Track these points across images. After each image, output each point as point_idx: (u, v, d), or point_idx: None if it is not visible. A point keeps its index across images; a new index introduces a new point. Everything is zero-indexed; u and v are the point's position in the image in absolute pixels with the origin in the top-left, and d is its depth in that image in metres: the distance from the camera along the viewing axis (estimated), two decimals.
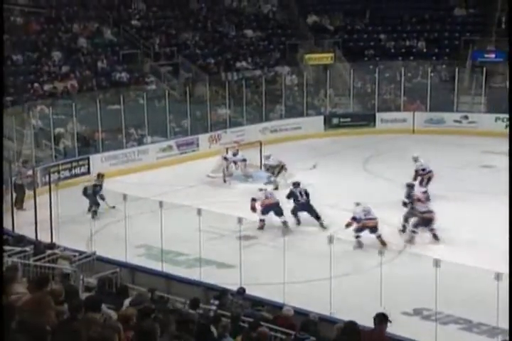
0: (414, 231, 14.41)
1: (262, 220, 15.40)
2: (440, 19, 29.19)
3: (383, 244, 13.91)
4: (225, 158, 19.98)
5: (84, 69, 24.18)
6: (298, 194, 15.76)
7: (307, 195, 15.85)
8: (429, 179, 17.78)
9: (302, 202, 15.69)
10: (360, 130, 25.34)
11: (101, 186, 16.73)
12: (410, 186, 16.01)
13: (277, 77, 27.00)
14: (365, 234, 14.17)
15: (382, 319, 7.24)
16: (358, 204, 14.76)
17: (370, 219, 14.33)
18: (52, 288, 6.14)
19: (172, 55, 26.68)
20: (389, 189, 18.50)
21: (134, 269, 12.39)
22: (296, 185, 16.02)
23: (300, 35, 29.33)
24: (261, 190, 16.10)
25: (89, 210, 16.36)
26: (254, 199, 15.61)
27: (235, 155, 20.05)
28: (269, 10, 30.38)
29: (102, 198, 16.49)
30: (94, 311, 5.68)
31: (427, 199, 15.64)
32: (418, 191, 15.84)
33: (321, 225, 15.37)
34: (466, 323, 10.92)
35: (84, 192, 16.59)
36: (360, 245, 14.06)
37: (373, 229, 14.25)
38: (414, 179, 17.62)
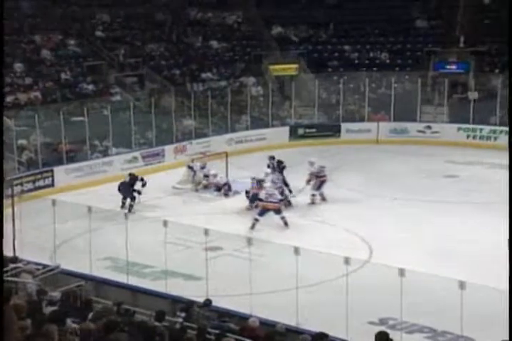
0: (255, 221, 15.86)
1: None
2: (403, 31, 29.61)
3: (286, 224, 15.75)
4: (190, 167, 20.01)
5: (48, 81, 23.98)
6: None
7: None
8: (321, 183, 18.47)
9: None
10: (325, 140, 25.51)
11: (135, 181, 18.13)
12: (260, 181, 17.44)
13: (242, 87, 27.08)
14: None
15: (383, 338, 7.14)
16: (260, 181, 17.02)
17: (272, 202, 15.67)
18: (15, 303, 6.06)
19: (137, 66, 26.60)
20: (353, 199, 18.67)
21: (99, 282, 12.27)
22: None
23: (265, 46, 29.48)
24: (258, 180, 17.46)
25: (122, 206, 17.64)
26: (260, 200, 16.31)
27: (202, 168, 20.08)
28: (233, 21, 30.50)
29: (139, 193, 17.80)
30: (59, 325, 5.61)
31: (323, 199, 18.02)
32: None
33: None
34: (431, 332, 11.03)
35: (122, 186, 17.87)
36: (253, 227, 15.62)
37: (277, 211, 15.66)
38: (308, 182, 18.42)
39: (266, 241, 15.34)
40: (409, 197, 18.50)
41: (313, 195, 18.30)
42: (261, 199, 16.18)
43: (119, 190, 18.01)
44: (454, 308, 9.67)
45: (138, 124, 22.76)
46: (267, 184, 16.93)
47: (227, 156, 20.76)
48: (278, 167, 18.91)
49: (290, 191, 18.33)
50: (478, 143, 24.67)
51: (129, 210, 17.37)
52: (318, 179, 18.41)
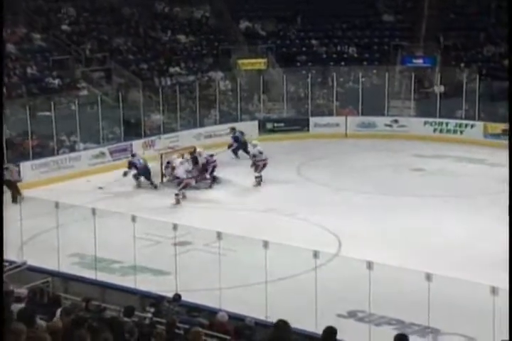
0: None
1: (258, 177, 19.23)
2: (370, 25, 29.75)
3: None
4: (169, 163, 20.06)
5: (13, 76, 23.67)
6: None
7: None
8: (264, 166, 19.68)
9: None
10: (294, 135, 25.57)
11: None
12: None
13: (211, 82, 27.00)
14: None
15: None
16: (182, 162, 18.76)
17: (190, 178, 18.34)
18: None
19: (104, 61, 26.36)
20: (322, 193, 18.77)
21: (66, 278, 12.18)
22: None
23: (233, 40, 29.42)
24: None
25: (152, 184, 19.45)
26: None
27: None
28: (201, 15, 30.37)
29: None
30: (28, 324, 5.56)
31: (259, 184, 19.40)
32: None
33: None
34: (399, 324, 11.15)
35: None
36: (178, 202, 17.78)
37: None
38: (253, 165, 19.70)
39: (235, 235, 15.37)
40: (377, 190, 18.65)
41: (256, 178, 19.41)
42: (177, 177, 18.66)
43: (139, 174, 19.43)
44: (421, 300, 9.80)
45: (105, 119, 22.57)
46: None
47: (195, 151, 20.70)
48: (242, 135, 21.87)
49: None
50: (445, 136, 24.91)
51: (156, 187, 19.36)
52: (261, 162, 19.53)
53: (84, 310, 8.68)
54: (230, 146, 22.30)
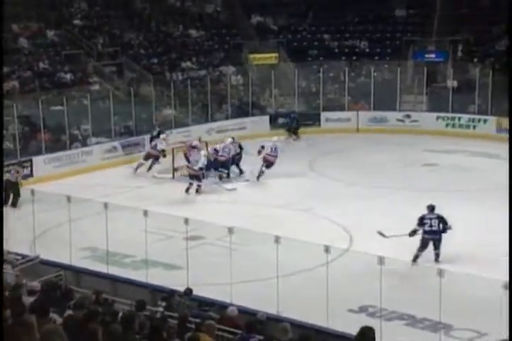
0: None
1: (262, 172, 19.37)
2: (382, 19, 29.64)
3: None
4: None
5: (26, 70, 23.75)
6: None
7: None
8: (271, 163, 19.69)
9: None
10: (305, 129, 25.53)
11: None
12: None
13: (222, 76, 27.00)
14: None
15: None
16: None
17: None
18: None
19: (116, 55, 26.42)
20: (334, 188, 18.75)
21: (78, 272, 12.24)
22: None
23: (244, 35, 29.39)
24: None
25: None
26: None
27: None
28: (213, 10, 30.36)
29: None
30: (41, 316, 5.59)
31: (257, 178, 19.58)
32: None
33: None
34: (410, 319, 11.12)
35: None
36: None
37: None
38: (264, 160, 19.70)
39: (247, 230, 15.39)
40: (388, 185, 18.60)
41: (261, 172, 19.49)
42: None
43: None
44: (433, 295, 9.77)
45: (117, 114, 22.63)
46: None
47: (207, 146, 20.71)
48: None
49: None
50: (457, 131, 24.82)
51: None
52: (270, 157, 19.45)
53: (94, 303, 8.71)
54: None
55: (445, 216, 13.32)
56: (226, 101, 25.76)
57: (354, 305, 11.49)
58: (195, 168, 18.51)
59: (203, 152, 19.19)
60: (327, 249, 10.52)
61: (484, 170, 20.10)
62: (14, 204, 16.86)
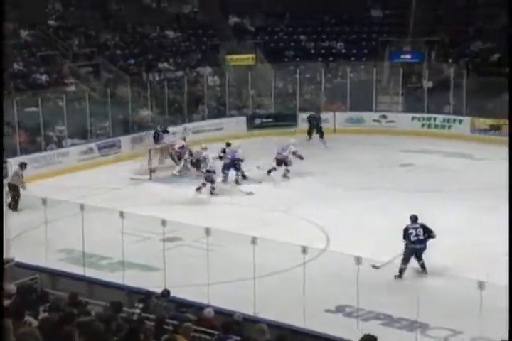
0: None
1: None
2: (358, 20, 29.78)
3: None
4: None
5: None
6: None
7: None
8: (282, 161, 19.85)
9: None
10: (282, 130, 25.57)
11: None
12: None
13: (199, 77, 26.97)
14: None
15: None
16: None
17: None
18: None
19: (92, 56, 26.27)
20: (311, 188, 18.81)
21: (54, 274, 12.15)
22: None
23: (221, 35, 29.37)
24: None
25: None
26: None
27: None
28: (190, 10, 30.30)
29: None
30: (17, 319, 5.55)
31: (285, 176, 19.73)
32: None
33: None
34: (387, 318, 11.18)
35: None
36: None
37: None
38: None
39: (224, 231, 15.38)
40: (365, 185, 18.69)
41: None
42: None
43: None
44: (410, 295, 9.85)
45: (94, 115, 22.51)
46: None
47: (184, 146, 20.67)
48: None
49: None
50: (433, 131, 25.01)
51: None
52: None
53: (69, 305, 8.64)
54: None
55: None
56: (203, 102, 25.73)
57: (331, 305, 11.53)
58: (203, 170, 18.46)
59: (211, 154, 19.13)
60: (304, 250, 10.56)
61: (459, 170, 20.28)
62: (15, 208, 16.70)
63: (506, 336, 6.72)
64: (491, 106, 24.13)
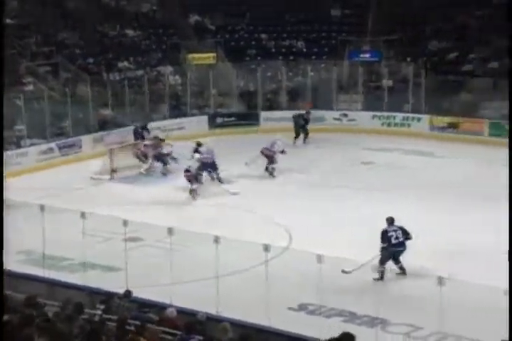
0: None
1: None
2: (318, 19, 29.94)
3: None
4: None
5: None
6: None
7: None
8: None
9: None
10: (244, 129, 25.60)
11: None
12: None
13: (160, 76, 26.85)
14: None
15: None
16: None
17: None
18: None
19: (50, 55, 25.95)
20: (272, 186, 18.89)
21: (13, 276, 11.96)
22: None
23: (182, 34, 29.27)
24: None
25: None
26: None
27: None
28: (149, 9, 30.13)
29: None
30: None
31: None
32: None
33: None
34: (350, 315, 11.28)
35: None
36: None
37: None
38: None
39: (187, 231, 15.33)
40: (326, 183, 18.82)
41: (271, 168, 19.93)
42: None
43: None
44: (371, 292, 9.95)
45: (53, 114, 22.26)
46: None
47: (145, 145, 20.57)
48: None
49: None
50: (393, 130, 25.27)
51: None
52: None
53: (27, 306, 8.52)
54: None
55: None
56: (164, 101, 25.62)
57: (294, 304, 11.59)
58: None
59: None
60: (266, 248, 10.59)
61: (418, 168, 20.55)
62: None
63: (506, 336, 6.84)
64: (449, 105, 24.53)
